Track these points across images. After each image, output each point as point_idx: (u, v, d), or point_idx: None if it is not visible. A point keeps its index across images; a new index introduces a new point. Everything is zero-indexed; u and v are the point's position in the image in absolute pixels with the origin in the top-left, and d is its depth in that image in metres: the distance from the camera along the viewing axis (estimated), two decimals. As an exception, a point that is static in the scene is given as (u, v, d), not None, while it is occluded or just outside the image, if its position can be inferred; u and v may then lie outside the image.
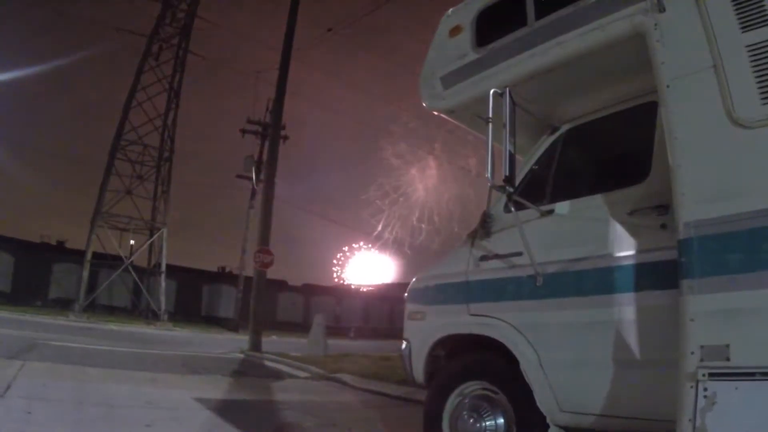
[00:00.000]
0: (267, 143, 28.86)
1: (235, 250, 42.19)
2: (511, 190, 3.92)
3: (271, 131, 23.94)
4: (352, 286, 77.34)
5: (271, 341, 24.91)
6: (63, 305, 36.71)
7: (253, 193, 39.32)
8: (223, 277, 53.39)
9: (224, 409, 7.63)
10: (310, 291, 57.90)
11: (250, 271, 29.14)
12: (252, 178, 39.15)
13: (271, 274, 22.49)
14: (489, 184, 4.00)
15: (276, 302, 51.31)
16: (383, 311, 61.61)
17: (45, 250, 43.58)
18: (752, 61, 3.09)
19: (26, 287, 38.64)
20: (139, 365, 11.77)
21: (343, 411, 8.54)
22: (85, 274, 36.82)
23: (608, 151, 4.69)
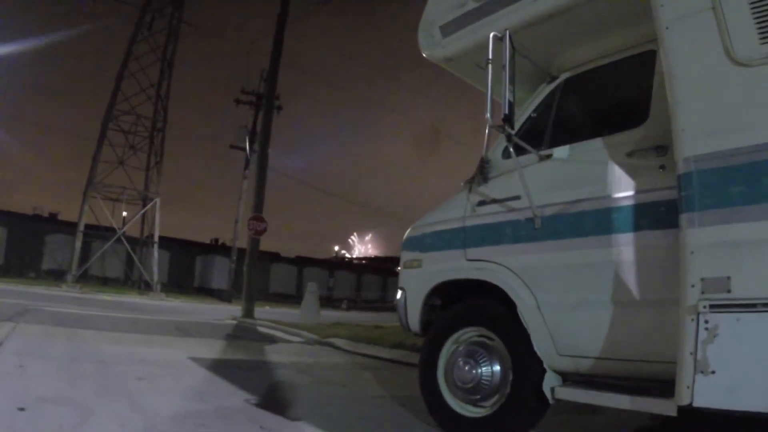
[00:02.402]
0: (261, 113, 28.78)
1: (228, 223, 42.31)
2: (511, 131, 3.89)
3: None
4: (346, 259, 77.83)
5: (264, 311, 24.99)
6: (56, 276, 36.84)
7: (247, 163, 39.24)
8: (216, 248, 53.55)
9: (218, 367, 7.64)
10: (303, 263, 58.07)
11: (243, 243, 29.21)
12: (246, 148, 39.01)
13: (264, 246, 22.50)
14: (488, 124, 3.96)
15: (269, 273, 51.50)
16: (376, 284, 61.96)
17: (37, 221, 43.54)
18: (751, 3, 3.07)
19: (19, 259, 38.75)
20: (133, 329, 11.79)
21: (336, 371, 8.57)
22: (78, 244, 36.83)
23: (607, 99, 4.67)
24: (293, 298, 44.86)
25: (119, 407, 4.65)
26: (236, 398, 5.49)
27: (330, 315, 23.56)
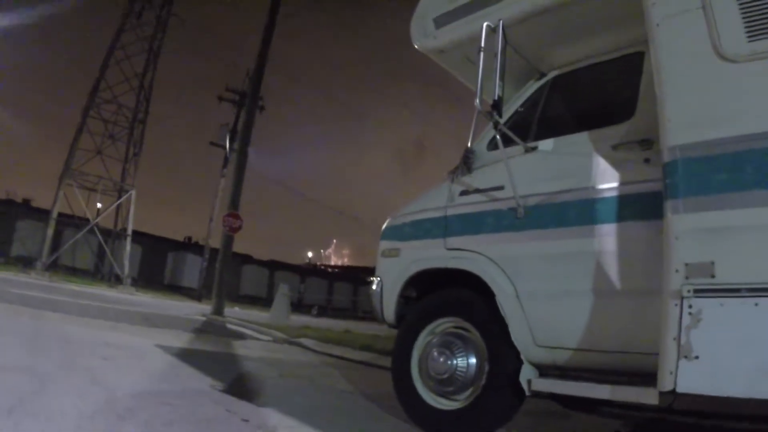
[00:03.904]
0: (243, 112, 28.66)
1: (202, 222, 42.02)
2: (499, 118, 3.88)
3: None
4: (318, 266, 77.69)
5: (234, 312, 24.74)
6: (25, 263, 36.21)
7: (226, 162, 39.03)
8: (188, 246, 53.16)
9: (185, 355, 7.54)
10: (275, 267, 57.83)
11: (216, 242, 28.94)
12: (226, 146, 38.81)
13: (237, 247, 22.26)
14: (477, 110, 3.96)
15: (240, 275, 51.21)
16: (347, 292, 61.90)
17: (10, 206, 42.93)
18: (740, 3, 3.16)
19: (-12, 244, 38.10)
20: (101, 315, 11.60)
21: (304, 367, 8.47)
22: (50, 232, 36.29)
23: (594, 96, 4.70)
24: (263, 301, 44.59)
25: (80, 381, 4.54)
26: (202, 383, 5.40)
27: (299, 320, 23.37)
